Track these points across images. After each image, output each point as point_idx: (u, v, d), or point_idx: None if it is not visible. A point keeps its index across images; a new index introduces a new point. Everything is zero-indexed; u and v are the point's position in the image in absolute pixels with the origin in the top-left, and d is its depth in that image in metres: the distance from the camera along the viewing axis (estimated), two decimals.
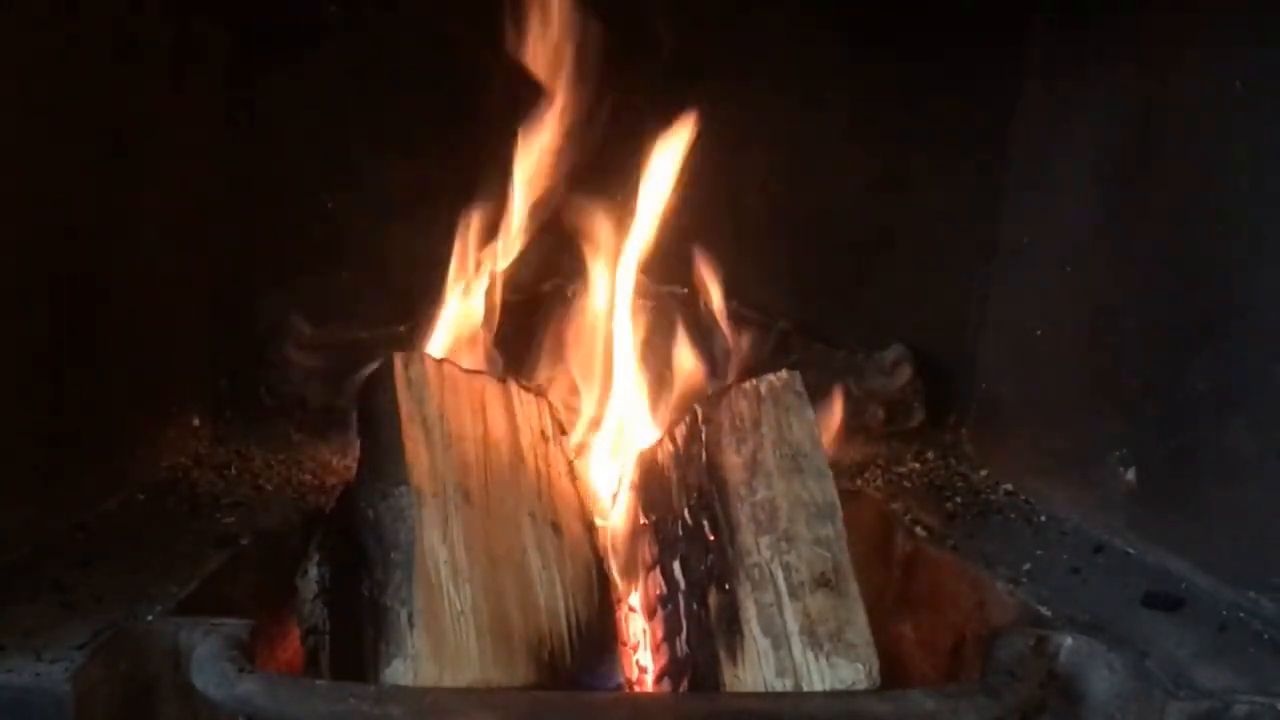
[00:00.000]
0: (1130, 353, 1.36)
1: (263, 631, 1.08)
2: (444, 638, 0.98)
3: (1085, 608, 1.12)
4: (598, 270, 1.53)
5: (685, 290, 1.61)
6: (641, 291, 1.53)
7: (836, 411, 1.46)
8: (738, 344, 1.59)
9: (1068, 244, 1.51)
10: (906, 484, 1.61)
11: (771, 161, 1.63)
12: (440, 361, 1.20)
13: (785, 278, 1.69)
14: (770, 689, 0.98)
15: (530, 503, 1.15)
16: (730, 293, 1.62)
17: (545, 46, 1.47)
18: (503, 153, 1.47)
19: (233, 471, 1.52)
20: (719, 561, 1.08)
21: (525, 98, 1.46)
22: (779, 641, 1.00)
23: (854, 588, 1.04)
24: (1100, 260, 1.44)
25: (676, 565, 1.14)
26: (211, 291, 1.60)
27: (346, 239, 1.62)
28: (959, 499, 1.53)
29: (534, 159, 1.48)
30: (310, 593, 1.11)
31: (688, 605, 1.11)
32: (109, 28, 1.29)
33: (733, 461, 1.13)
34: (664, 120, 1.47)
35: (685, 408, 1.24)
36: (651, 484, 1.25)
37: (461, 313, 1.45)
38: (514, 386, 1.26)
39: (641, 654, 1.21)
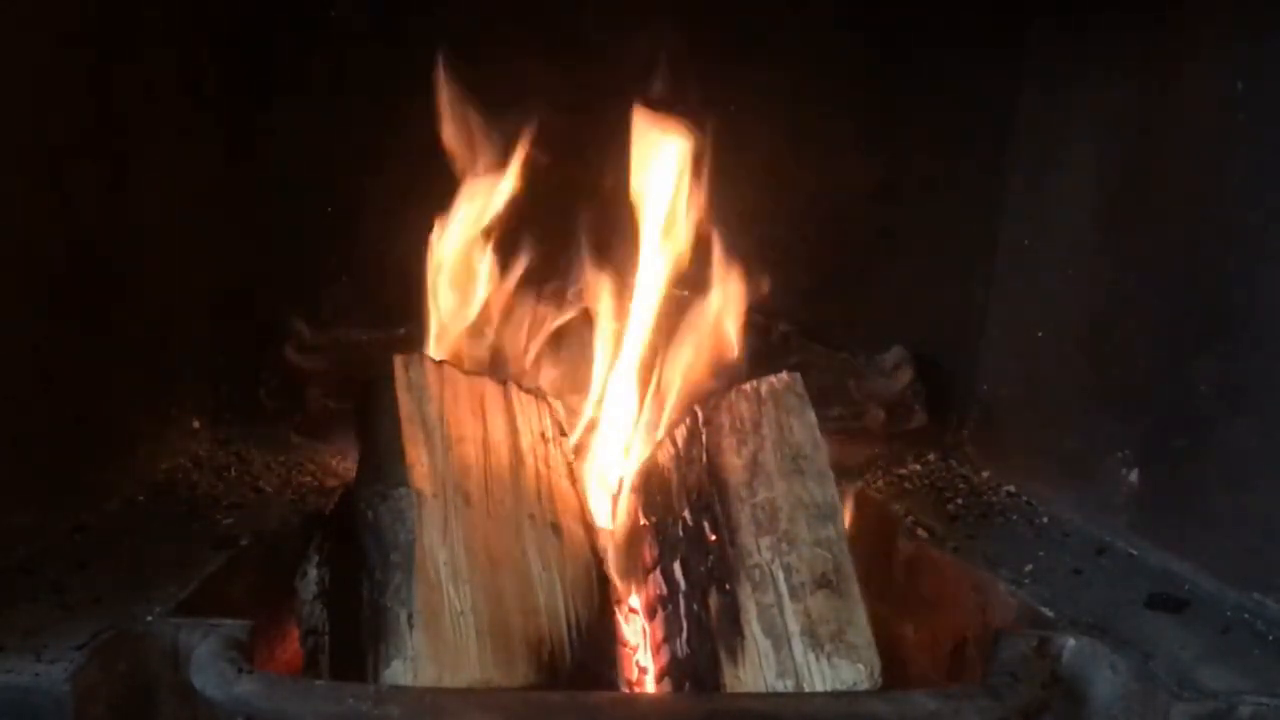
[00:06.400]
0: (1132, 354, 1.35)
1: (262, 632, 1.08)
2: (443, 638, 0.98)
3: (1088, 609, 1.11)
4: (598, 272, 1.53)
5: (686, 292, 1.61)
6: (642, 293, 1.52)
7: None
8: (739, 346, 1.59)
9: (1069, 245, 1.50)
10: (908, 485, 1.61)
11: (773, 164, 1.63)
12: (440, 363, 1.20)
13: (786, 280, 1.68)
14: (771, 690, 0.98)
15: (530, 504, 1.15)
16: (732, 295, 1.62)
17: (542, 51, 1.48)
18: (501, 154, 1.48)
19: (232, 473, 1.52)
20: (719, 562, 1.07)
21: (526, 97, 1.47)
22: (780, 642, 1.00)
23: (855, 588, 1.03)
24: (1102, 261, 1.43)
25: (677, 566, 1.14)
26: (211, 294, 1.60)
27: (346, 241, 1.62)
28: (960, 500, 1.52)
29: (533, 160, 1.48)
30: (309, 594, 1.11)
31: (688, 606, 1.11)
32: (111, 28, 1.29)
33: (733, 463, 1.12)
34: (665, 122, 1.47)
35: (686, 409, 1.24)
36: (652, 485, 1.24)
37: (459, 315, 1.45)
38: (514, 388, 1.26)
39: (642, 655, 1.20)
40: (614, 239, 1.52)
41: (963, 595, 1.25)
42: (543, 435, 1.25)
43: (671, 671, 1.11)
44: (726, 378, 1.50)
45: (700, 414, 1.18)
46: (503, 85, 1.51)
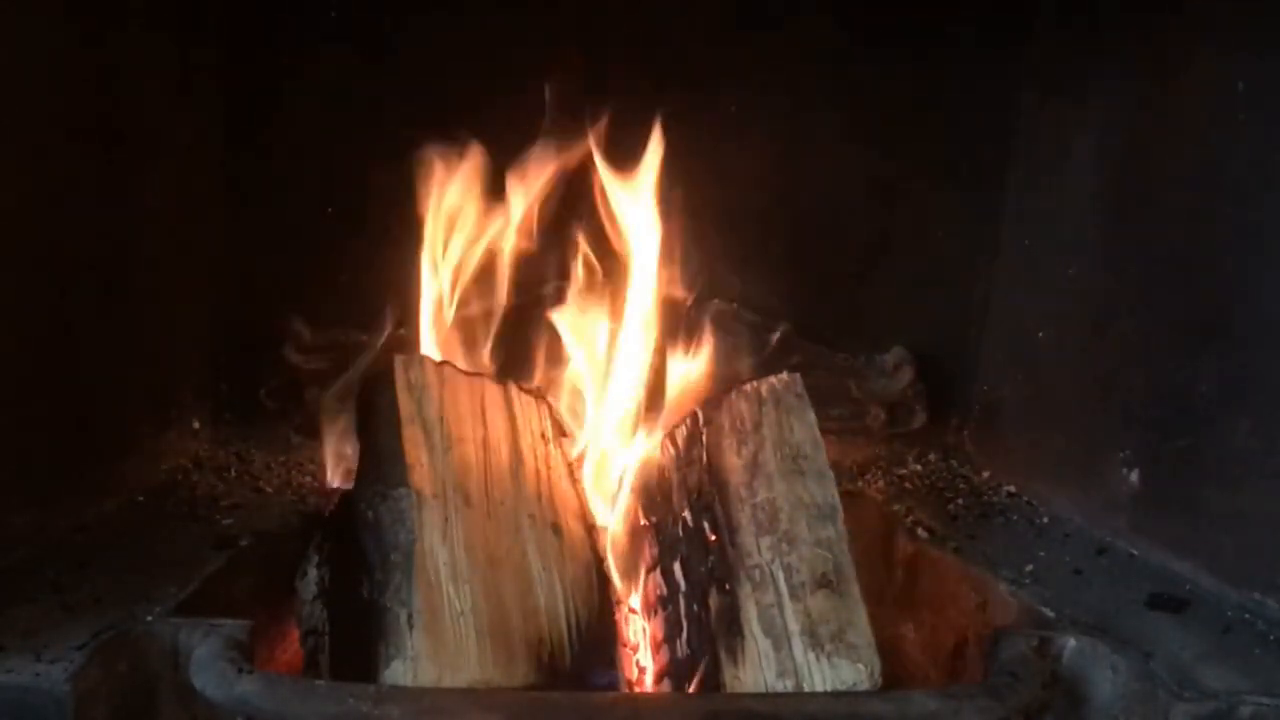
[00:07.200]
0: (1133, 354, 1.35)
1: (262, 632, 1.08)
2: (443, 638, 0.98)
3: (1088, 609, 1.11)
4: (598, 273, 1.53)
5: (685, 293, 1.61)
6: (642, 294, 1.52)
7: None
8: (739, 346, 1.59)
9: (1069, 245, 1.50)
10: (908, 485, 1.61)
11: (774, 164, 1.63)
12: (440, 364, 1.20)
13: (787, 280, 1.69)
14: (771, 690, 0.98)
15: (530, 504, 1.15)
16: (733, 296, 1.62)
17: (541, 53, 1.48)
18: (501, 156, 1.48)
19: (232, 473, 1.52)
20: (719, 563, 1.07)
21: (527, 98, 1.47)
22: (780, 642, 1.00)
23: (855, 589, 1.03)
24: (1102, 261, 1.43)
25: (677, 566, 1.14)
26: (212, 295, 1.60)
27: (346, 242, 1.62)
28: (961, 500, 1.52)
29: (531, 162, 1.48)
30: (310, 594, 1.11)
31: (688, 606, 1.10)
32: (112, 32, 1.29)
33: (733, 463, 1.12)
34: (666, 126, 1.48)
35: (686, 410, 1.24)
36: (652, 486, 1.24)
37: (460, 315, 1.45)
38: (514, 389, 1.26)
39: (641, 655, 1.20)
40: (613, 239, 1.52)
41: (963, 595, 1.25)
42: (543, 435, 1.25)
43: (671, 671, 1.11)
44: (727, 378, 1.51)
45: (700, 414, 1.18)
46: (493, 90, 1.52)
